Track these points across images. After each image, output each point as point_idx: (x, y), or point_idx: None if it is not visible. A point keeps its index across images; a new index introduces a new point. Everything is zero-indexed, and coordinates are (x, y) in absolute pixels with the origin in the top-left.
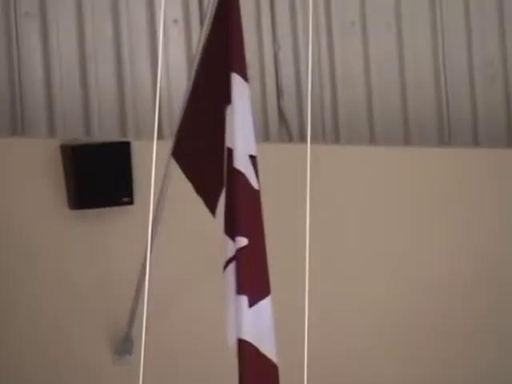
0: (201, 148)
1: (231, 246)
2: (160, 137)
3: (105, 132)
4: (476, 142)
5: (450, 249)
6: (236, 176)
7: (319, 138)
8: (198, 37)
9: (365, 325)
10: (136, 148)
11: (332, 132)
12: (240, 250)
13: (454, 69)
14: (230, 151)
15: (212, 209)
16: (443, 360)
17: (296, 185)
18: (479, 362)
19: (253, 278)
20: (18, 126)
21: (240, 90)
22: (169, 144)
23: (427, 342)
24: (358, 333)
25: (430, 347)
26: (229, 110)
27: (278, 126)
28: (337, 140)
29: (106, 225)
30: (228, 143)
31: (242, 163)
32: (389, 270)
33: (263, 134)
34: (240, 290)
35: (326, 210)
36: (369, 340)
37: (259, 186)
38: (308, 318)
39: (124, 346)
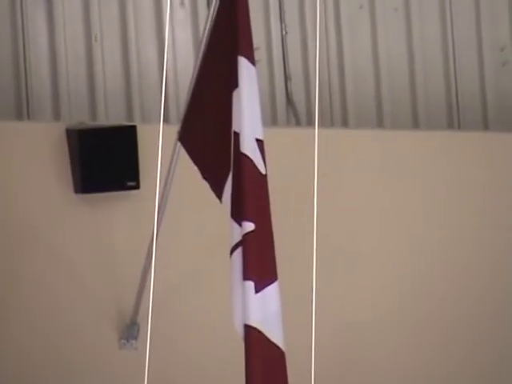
0: (208, 132)
1: (238, 231)
2: (166, 121)
3: (111, 116)
4: (486, 126)
5: (460, 232)
6: (243, 160)
7: (327, 121)
8: (205, 19)
9: (373, 307)
10: (142, 132)
11: (340, 115)
12: (247, 235)
13: (463, 53)
14: (237, 135)
15: (218, 194)
16: (453, 342)
17: (303, 169)
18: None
19: (259, 264)
20: (23, 110)
21: (247, 73)
22: (175, 128)
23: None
24: (366, 316)
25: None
26: (236, 94)
27: (286, 110)
28: (345, 124)
29: (112, 209)
30: (235, 127)
31: (248, 147)
32: (397, 252)
33: (270, 118)
34: (246, 276)
35: (334, 194)
36: (377, 322)
37: (266, 170)
38: (315, 303)
39: (130, 331)
